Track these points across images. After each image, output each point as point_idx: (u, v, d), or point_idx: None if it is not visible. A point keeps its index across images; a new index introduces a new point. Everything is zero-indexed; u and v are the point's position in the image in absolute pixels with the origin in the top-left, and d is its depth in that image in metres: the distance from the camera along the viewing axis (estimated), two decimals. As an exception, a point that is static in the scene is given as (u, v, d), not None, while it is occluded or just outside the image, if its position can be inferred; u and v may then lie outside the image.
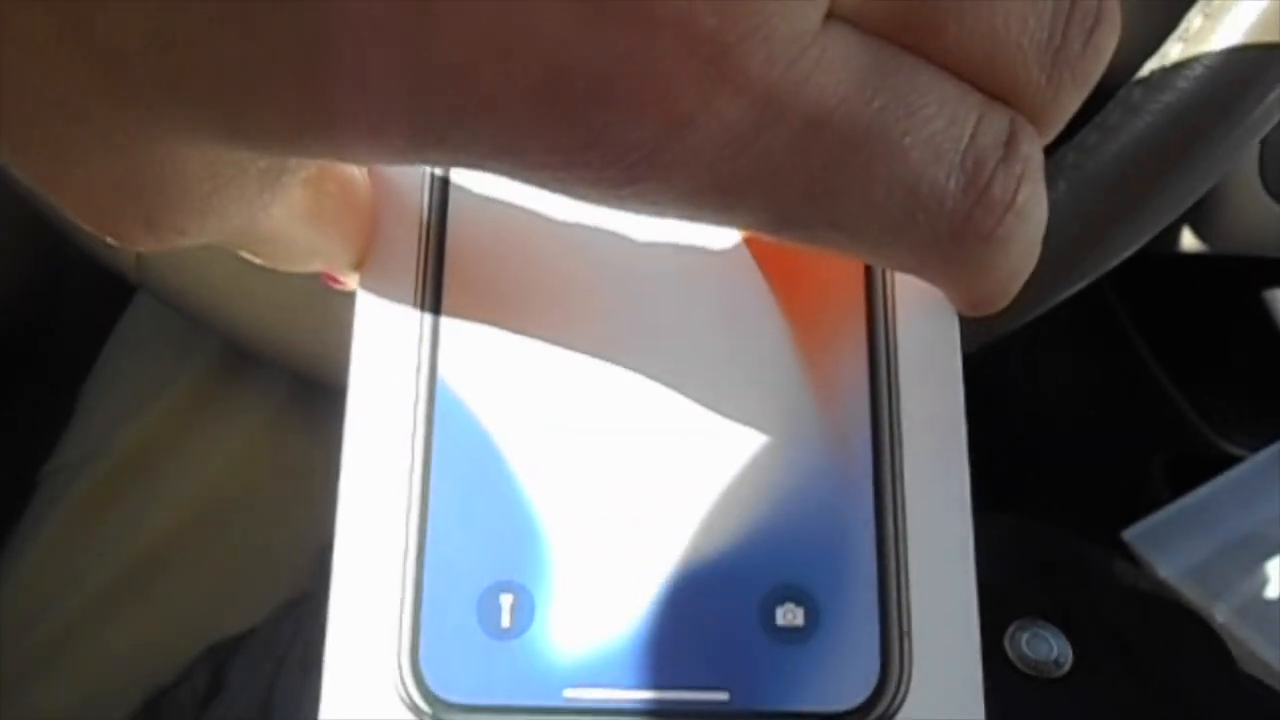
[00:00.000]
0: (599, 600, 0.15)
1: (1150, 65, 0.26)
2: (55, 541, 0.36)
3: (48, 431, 0.40)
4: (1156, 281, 0.55)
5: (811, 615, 0.15)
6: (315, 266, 0.16)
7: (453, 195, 0.16)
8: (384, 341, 0.16)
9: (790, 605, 0.15)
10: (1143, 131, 0.26)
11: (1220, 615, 0.39)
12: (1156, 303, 0.55)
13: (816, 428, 0.15)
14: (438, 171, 0.16)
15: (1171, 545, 0.45)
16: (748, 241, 0.16)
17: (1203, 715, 0.25)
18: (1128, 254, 0.28)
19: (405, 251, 0.16)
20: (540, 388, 0.16)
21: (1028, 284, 0.31)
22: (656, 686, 0.15)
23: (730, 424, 0.15)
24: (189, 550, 0.35)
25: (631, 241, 0.16)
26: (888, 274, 0.16)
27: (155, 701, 0.28)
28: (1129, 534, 0.47)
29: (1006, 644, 0.27)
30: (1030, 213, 0.12)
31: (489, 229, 0.16)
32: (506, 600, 0.15)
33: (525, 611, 0.15)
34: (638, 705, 0.15)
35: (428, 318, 0.16)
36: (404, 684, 0.15)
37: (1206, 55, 0.25)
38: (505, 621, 0.15)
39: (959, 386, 0.15)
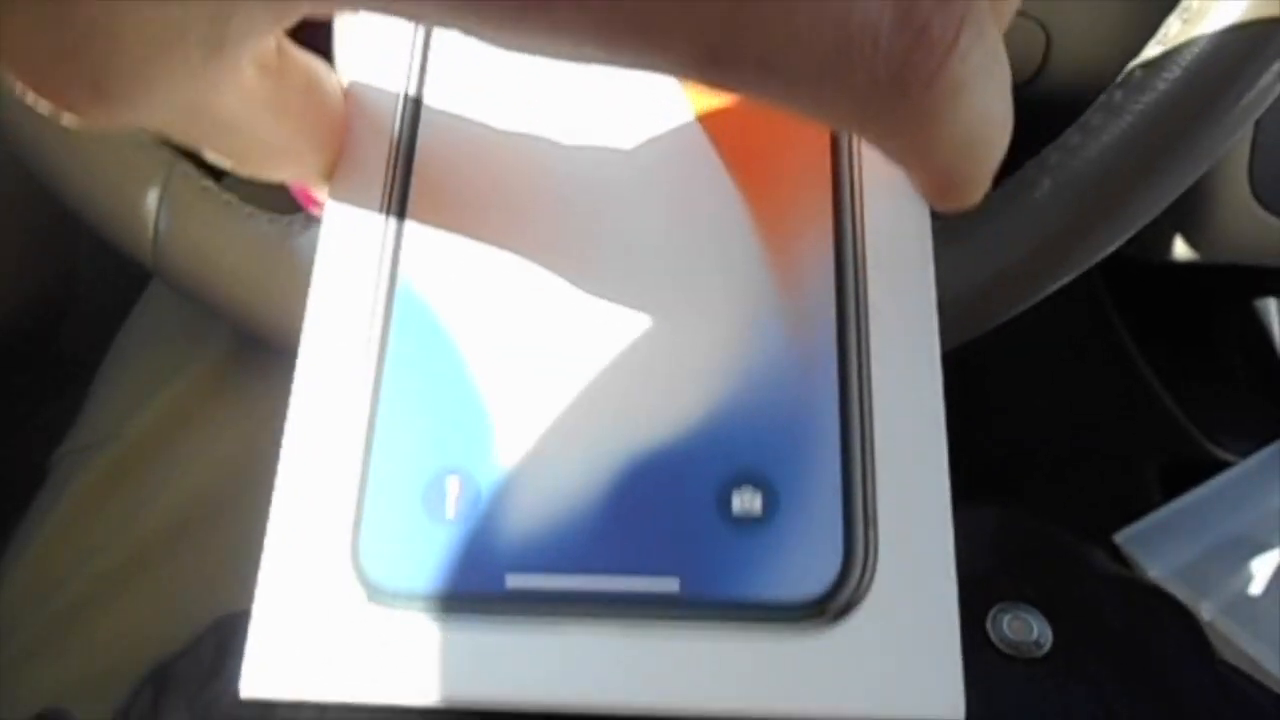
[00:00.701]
0: (546, 485, 0.14)
1: (1130, 67, 0.27)
2: (66, 522, 0.36)
3: (61, 417, 0.41)
4: (1150, 289, 0.55)
5: (770, 502, 0.14)
6: (285, 170, 0.15)
7: (424, 114, 0.16)
8: (348, 243, 0.16)
9: (748, 491, 0.14)
10: (1124, 131, 0.27)
11: (1206, 613, 0.40)
12: (1150, 310, 0.56)
13: (778, 313, 0.15)
14: (410, 91, 0.17)
15: (1161, 547, 0.46)
16: (708, 128, 0.16)
17: (1179, 695, 0.26)
18: (1111, 249, 0.29)
19: (375, 164, 0.16)
20: (499, 285, 0.15)
21: (1013, 278, 0.32)
22: (601, 572, 0.14)
23: (688, 311, 0.15)
24: (197, 531, 0.36)
25: (593, 149, 0.16)
26: (855, 161, 0.16)
27: (161, 672, 0.29)
28: (1119, 536, 0.48)
29: (989, 626, 0.27)
30: (979, 64, 0.11)
31: (457, 145, 0.16)
32: (452, 486, 0.14)
33: (470, 497, 0.14)
34: (581, 592, 0.14)
35: (393, 222, 0.16)
36: (343, 569, 0.14)
37: (1184, 57, 0.26)
38: (449, 507, 0.14)
39: (929, 275, 0.15)
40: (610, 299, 0.15)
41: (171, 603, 0.34)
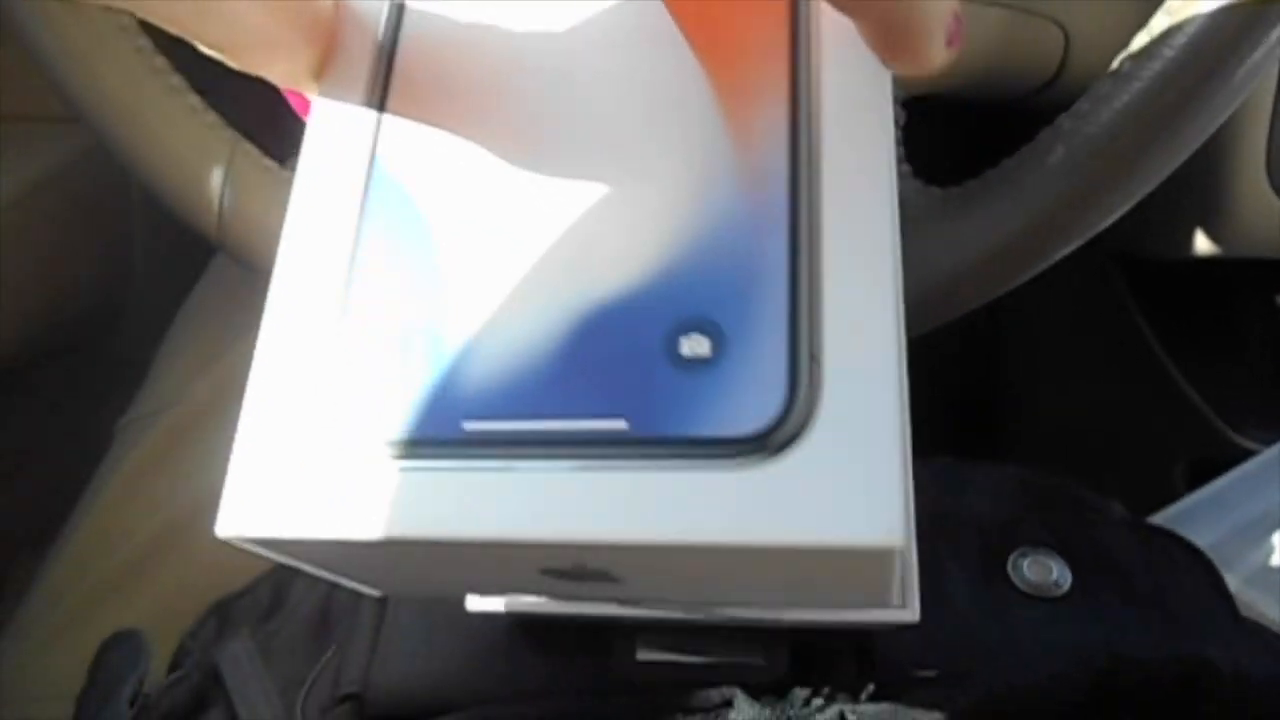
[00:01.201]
0: (504, 338, 0.15)
1: (1138, 39, 0.29)
2: (131, 481, 0.38)
3: (120, 393, 0.43)
4: (1172, 285, 0.56)
5: (718, 346, 0.14)
6: (277, 65, 0.17)
7: (406, 17, 0.18)
8: (332, 132, 0.17)
9: (696, 336, 0.14)
10: (1132, 98, 0.28)
11: (1231, 584, 0.40)
12: (1172, 305, 0.56)
13: (733, 169, 0.15)
14: None
15: (1185, 532, 0.46)
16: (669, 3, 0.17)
17: (1194, 631, 0.26)
18: (1123, 210, 0.30)
19: (360, 64, 0.18)
20: (466, 158, 0.16)
21: (1031, 239, 0.33)
22: (552, 416, 0.14)
23: (645, 171, 0.16)
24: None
25: (556, 20, 0.17)
26: (812, 26, 0.16)
27: (223, 608, 0.30)
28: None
29: (1009, 569, 0.28)
30: None
31: (433, 45, 0.18)
32: (417, 342, 0.15)
33: (433, 352, 0.15)
34: (533, 434, 0.14)
35: (373, 113, 0.17)
36: (314, 419, 0.15)
37: (1188, 26, 0.27)
38: (413, 361, 0.15)
39: (888, 136, 0.15)
40: (569, 163, 0.16)
41: (229, 554, 0.35)
